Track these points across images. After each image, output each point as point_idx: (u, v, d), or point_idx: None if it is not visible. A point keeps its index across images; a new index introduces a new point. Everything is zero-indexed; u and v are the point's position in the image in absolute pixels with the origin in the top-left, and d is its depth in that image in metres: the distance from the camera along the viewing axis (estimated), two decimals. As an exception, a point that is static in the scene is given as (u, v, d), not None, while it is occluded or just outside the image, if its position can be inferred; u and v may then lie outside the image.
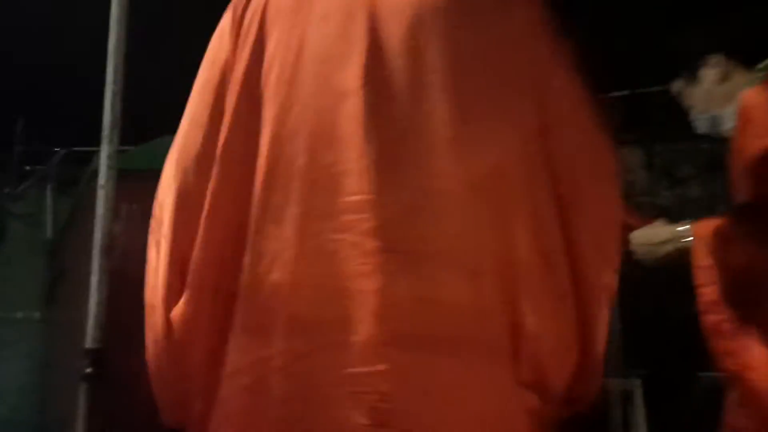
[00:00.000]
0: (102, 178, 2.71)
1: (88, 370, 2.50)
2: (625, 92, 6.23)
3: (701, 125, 2.43)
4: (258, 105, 1.23)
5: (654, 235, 2.25)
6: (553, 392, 1.18)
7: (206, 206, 1.24)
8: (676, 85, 2.47)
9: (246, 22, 1.28)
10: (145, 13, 3.06)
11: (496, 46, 1.24)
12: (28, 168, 7.44)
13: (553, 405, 1.18)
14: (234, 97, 1.25)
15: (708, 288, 1.99)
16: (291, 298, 1.14)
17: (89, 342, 2.57)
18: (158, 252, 1.30)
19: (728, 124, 2.28)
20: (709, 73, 2.34)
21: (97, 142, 2.76)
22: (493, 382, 1.13)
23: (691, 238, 2.18)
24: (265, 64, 1.24)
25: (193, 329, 1.22)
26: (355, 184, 1.12)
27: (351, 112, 1.15)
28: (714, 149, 8.03)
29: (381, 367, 1.05)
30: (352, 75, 1.16)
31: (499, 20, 1.26)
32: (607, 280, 1.27)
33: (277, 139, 1.19)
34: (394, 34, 1.18)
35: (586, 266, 1.23)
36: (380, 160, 1.13)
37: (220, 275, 1.23)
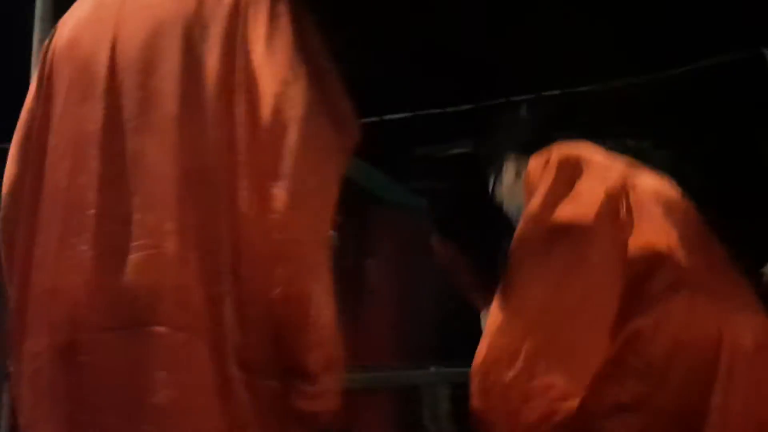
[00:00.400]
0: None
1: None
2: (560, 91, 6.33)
3: (513, 217, 2.62)
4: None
5: None
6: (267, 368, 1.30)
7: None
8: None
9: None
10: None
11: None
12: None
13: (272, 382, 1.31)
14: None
15: None
16: (52, 301, 1.35)
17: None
18: None
19: None
20: (509, 171, 2.62)
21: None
22: (199, 356, 1.25)
23: None
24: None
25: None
26: (89, 200, 1.32)
27: (91, 140, 1.34)
28: (642, 147, 8.36)
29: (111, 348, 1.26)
30: (92, 109, 1.35)
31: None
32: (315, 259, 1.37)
33: (51, 167, 1.40)
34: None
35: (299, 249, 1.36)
36: (107, 178, 1.32)
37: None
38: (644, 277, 1.85)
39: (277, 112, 1.30)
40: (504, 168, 2.68)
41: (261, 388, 1.31)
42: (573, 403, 1.74)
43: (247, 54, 1.33)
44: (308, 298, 1.32)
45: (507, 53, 6.14)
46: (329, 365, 1.36)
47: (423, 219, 4.96)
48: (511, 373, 1.80)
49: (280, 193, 1.29)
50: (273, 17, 1.36)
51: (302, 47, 1.39)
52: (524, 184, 2.06)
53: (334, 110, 1.42)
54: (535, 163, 1.97)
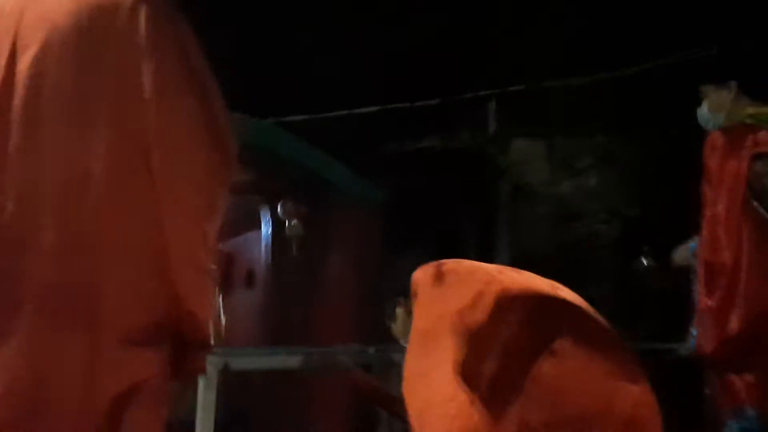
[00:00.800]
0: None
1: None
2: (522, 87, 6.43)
3: None
4: None
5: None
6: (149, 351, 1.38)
7: None
8: None
9: None
10: None
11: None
12: None
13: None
14: None
15: None
16: None
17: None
18: None
19: None
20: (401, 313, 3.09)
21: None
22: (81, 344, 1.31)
23: None
24: None
25: None
26: None
27: None
28: (609, 143, 8.47)
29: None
30: None
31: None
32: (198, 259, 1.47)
33: None
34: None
35: (176, 248, 1.42)
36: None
37: None
38: None
39: (159, 130, 1.38)
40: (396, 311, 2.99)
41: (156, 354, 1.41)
42: None
43: (136, 75, 1.37)
44: (191, 298, 1.44)
45: (474, 50, 6.24)
46: (204, 343, 1.53)
47: (384, 212, 5.05)
48: None
49: (159, 205, 1.38)
50: (159, 42, 1.41)
51: (186, 68, 1.45)
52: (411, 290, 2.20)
53: (215, 127, 1.51)
54: (418, 274, 2.09)
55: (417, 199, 5.35)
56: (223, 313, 6.76)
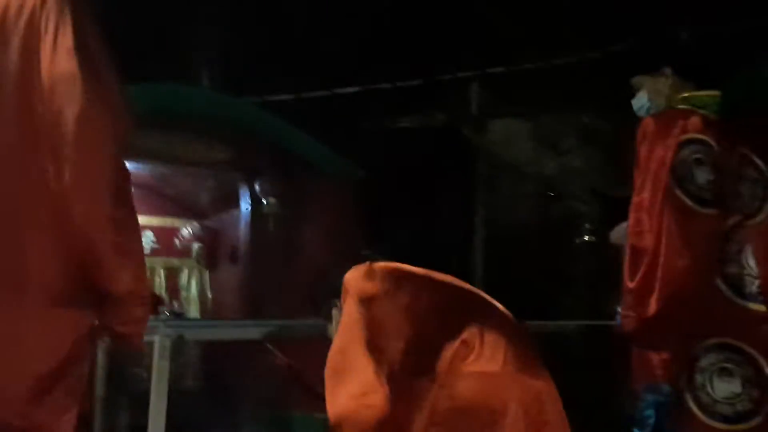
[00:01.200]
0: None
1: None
2: (504, 68, 6.49)
3: None
4: None
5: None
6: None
7: None
8: None
9: None
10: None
11: None
12: None
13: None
14: None
15: None
16: None
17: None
18: None
19: None
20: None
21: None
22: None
23: None
24: None
25: None
26: None
27: None
28: (594, 123, 8.52)
29: None
30: None
31: None
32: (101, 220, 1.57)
33: None
34: None
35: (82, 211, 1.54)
36: None
37: None
38: None
39: (59, 106, 1.51)
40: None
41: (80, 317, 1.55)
42: None
43: (38, 58, 1.52)
44: (104, 249, 1.56)
45: (456, 30, 6.29)
46: (134, 299, 1.62)
47: (361, 189, 5.15)
48: None
49: (63, 173, 1.51)
50: (60, 27, 1.55)
51: (84, 50, 1.58)
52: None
53: (109, 102, 1.63)
54: (350, 274, 2.21)
55: (395, 177, 5.46)
56: (210, 287, 6.96)
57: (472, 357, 1.92)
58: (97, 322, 1.60)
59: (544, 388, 1.95)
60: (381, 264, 2.12)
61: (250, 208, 5.45)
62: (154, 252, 7.03)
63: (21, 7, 1.55)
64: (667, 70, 2.65)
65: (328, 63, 5.92)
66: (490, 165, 6.66)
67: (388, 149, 5.64)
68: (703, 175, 2.44)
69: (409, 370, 1.92)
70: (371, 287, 2.04)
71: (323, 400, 1.95)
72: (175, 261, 7.01)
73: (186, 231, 6.77)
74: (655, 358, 2.52)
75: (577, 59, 6.46)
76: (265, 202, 5.09)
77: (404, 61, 6.03)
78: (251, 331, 2.88)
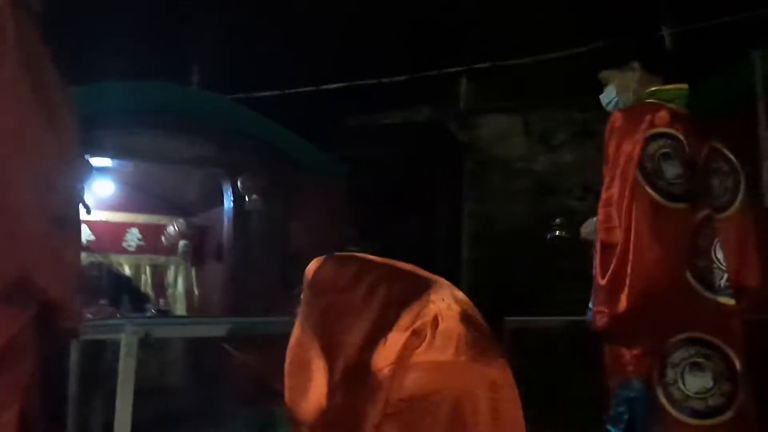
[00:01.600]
0: None
1: None
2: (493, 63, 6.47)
3: None
4: None
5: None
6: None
7: None
8: None
9: None
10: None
11: None
12: None
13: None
14: None
15: None
16: None
17: None
18: None
19: None
20: None
21: None
22: None
23: None
24: None
25: None
26: None
27: None
28: (586, 118, 8.50)
29: None
30: None
31: None
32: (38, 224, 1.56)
33: None
34: None
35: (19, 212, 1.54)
36: None
37: None
38: None
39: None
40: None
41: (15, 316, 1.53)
42: None
43: None
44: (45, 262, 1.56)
45: (442, 26, 6.27)
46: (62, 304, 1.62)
47: (347, 185, 5.15)
48: None
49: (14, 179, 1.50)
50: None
51: (26, 58, 1.57)
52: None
53: (50, 103, 1.62)
54: (310, 265, 2.21)
55: (381, 173, 5.45)
56: (196, 284, 6.96)
57: (422, 347, 1.90)
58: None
59: (498, 376, 1.93)
60: (340, 254, 2.11)
61: (233, 205, 5.44)
62: (141, 249, 7.04)
63: None
64: (635, 64, 2.63)
65: (315, 59, 5.90)
66: (479, 161, 6.64)
67: (373, 145, 5.63)
68: (671, 170, 2.42)
69: (365, 362, 1.91)
70: (327, 279, 2.04)
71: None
72: (161, 258, 7.03)
73: (172, 228, 6.77)
74: (627, 354, 2.50)
75: (566, 54, 6.43)
76: (248, 198, 5.08)
77: (390, 57, 6.01)
78: (218, 329, 2.86)
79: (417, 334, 1.91)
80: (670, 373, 2.46)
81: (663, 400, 2.46)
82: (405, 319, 1.93)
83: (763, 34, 4.46)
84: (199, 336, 3.16)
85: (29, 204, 1.54)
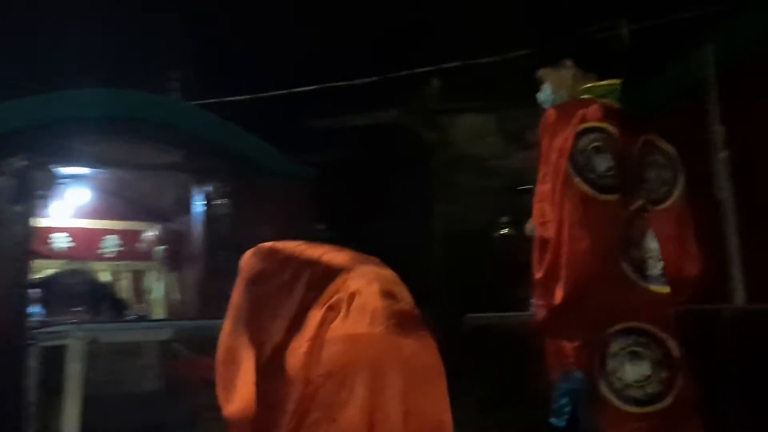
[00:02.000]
0: None
1: None
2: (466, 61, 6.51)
3: None
4: None
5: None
6: None
7: None
8: None
9: None
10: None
11: None
12: None
13: None
14: None
15: None
16: None
17: None
18: None
19: None
20: None
21: None
22: None
23: None
24: None
25: None
26: None
27: None
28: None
29: None
30: None
31: None
32: None
33: None
34: None
35: None
36: None
37: None
38: None
39: None
40: None
41: None
42: None
43: None
44: None
45: (411, 26, 6.30)
46: None
47: (311, 189, 5.18)
48: None
49: None
50: None
51: None
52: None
53: None
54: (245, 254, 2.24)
55: (348, 175, 5.49)
56: (176, 289, 6.99)
57: (337, 321, 1.92)
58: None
59: (416, 348, 1.95)
60: (272, 243, 2.15)
61: (204, 209, 5.49)
62: (120, 255, 7.07)
63: None
64: (569, 62, 2.67)
65: (282, 62, 5.94)
66: (450, 160, 6.68)
67: (341, 148, 5.67)
68: (602, 163, 2.46)
69: (288, 344, 1.94)
70: (257, 267, 2.07)
71: None
72: (139, 264, 7.07)
73: (149, 234, 6.81)
74: (568, 346, 2.54)
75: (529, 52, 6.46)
76: (217, 202, 5.13)
77: (359, 58, 6.05)
78: (165, 332, 2.91)
79: (332, 309, 1.93)
80: (610, 363, 2.49)
81: (604, 390, 2.49)
82: (324, 297, 1.95)
83: (706, 31, 4.51)
84: (146, 339, 3.20)
85: None
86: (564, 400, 2.55)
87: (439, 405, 1.97)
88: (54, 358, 3.20)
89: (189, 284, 6.29)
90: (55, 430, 3.43)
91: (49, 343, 3.14)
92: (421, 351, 1.96)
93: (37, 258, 5.77)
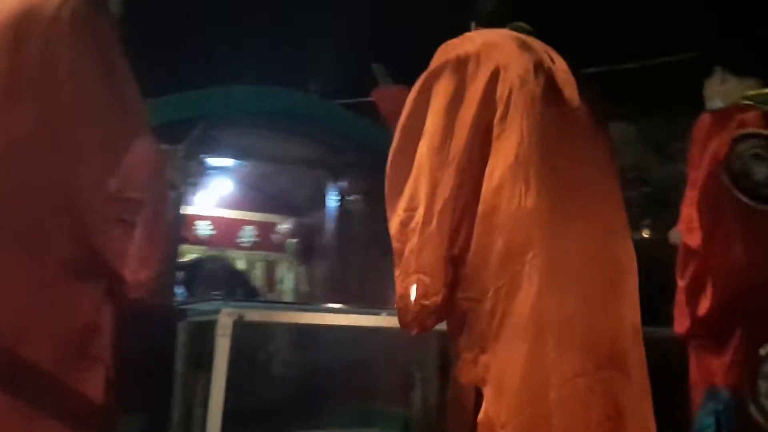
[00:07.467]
0: None
1: None
2: (604, 68, 6.29)
3: None
4: None
5: None
6: None
7: None
8: None
9: None
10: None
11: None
12: None
13: None
14: None
15: None
16: None
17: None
18: None
19: None
20: None
21: None
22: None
23: None
24: None
25: None
26: None
27: None
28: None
29: None
30: None
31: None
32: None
33: None
34: None
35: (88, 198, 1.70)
36: None
37: None
38: None
39: (72, 106, 1.67)
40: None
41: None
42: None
43: (56, 59, 1.67)
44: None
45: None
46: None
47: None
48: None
49: (86, 168, 1.69)
50: (77, 34, 1.69)
51: (100, 57, 1.72)
52: None
53: (123, 105, 1.76)
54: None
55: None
56: (305, 281, 7.25)
57: None
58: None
59: None
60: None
61: (337, 205, 5.65)
62: (255, 246, 7.45)
63: (42, 10, 1.73)
64: (719, 70, 2.55)
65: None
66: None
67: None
68: (762, 171, 2.32)
69: None
70: None
71: None
72: (272, 255, 7.40)
73: (283, 227, 7.12)
74: (715, 362, 2.41)
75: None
76: (351, 198, 5.27)
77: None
78: (311, 316, 3.03)
79: None
80: (763, 385, 2.35)
81: (754, 413, 2.35)
82: None
83: None
84: (290, 322, 3.33)
85: (99, 187, 1.69)
86: (708, 421, 2.41)
87: None
88: (202, 334, 3.41)
89: (318, 277, 6.50)
90: (202, 401, 3.67)
91: (198, 319, 3.35)
92: None
93: (184, 243, 6.22)
